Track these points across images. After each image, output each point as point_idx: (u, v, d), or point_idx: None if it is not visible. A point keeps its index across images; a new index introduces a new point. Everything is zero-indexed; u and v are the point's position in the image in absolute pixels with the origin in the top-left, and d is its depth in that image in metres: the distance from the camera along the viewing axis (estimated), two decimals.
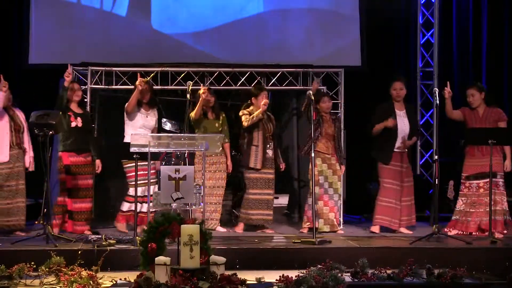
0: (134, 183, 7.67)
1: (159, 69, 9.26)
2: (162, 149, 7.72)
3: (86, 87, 9.12)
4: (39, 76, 9.53)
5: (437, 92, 7.81)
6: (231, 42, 9.83)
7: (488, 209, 7.81)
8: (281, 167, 8.65)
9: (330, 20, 10.02)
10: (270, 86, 9.46)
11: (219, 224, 8.54)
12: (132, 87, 8.87)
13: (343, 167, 8.68)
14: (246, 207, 8.46)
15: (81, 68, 9.22)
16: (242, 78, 9.38)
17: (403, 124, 8.33)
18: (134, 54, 9.54)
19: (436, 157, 7.72)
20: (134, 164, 7.51)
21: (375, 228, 8.38)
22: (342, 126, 8.99)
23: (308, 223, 8.40)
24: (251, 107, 8.49)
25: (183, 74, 9.30)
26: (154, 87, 9.28)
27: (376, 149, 8.43)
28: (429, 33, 10.87)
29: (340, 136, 8.69)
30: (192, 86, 8.07)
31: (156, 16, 9.77)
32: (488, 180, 7.87)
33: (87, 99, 9.05)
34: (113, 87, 9.31)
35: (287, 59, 9.62)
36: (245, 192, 8.54)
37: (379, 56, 10.41)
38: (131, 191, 8.15)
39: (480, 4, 10.51)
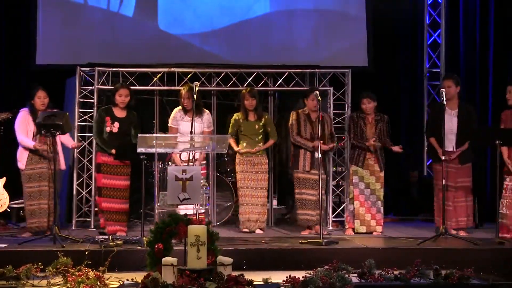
0: None
1: (166, 69, 9.26)
2: (169, 150, 7.74)
3: (93, 87, 9.14)
4: (46, 76, 9.55)
5: (444, 93, 7.78)
6: (238, 43, 9.82)
7: None
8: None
9: (336, 20, 10.00)
10: (277, 86, 9.46)
11: (264, 226, 8.59)
12: (139, 87, 8.88)
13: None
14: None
15: (88, 68, 9.24)
16: (249, 78, 9.37)
17: (451, 123, 8.24)
18: (140, 55, 9.54)
19: (443, 157, 7.70)
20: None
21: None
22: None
23: (347, 224, 8.55)
24: (305, 108, 8.58)
25: (189, 75, 9.30)
26: (160, 87, 9.30)
27: (431, 149, 8.49)
28: (436, 34, 10.84)
29: (382, 136, 8.52)
30: (199, 86, 8.07)
31: (163, 16, 9.77)
32: None
33: (94, 100, 9.07)
34: None
35: (294, 59, 9.61)
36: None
37: (386, 57, 10.39)
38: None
39: (487, 4, 10.47)
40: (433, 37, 10.86)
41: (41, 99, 8.06)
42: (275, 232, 8.70)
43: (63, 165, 8.27)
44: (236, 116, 8.65)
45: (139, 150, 7.17)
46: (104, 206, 8.16)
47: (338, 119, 9.37)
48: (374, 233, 8.39)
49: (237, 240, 7.62)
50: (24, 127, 8.02)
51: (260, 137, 8.59)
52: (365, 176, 8.48)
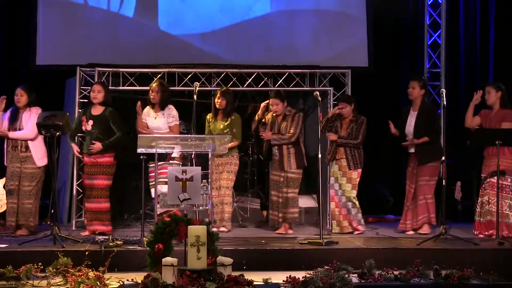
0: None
1: (166, 70, 9.27)
2: (169, 150, 7.74)
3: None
4: (46, 76, 9.56)
5: (444, 93, 7.80)
6: (238, 43, 9.83)
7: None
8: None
9: (337, 21, 10.01)
10: (277, 87, 9.45)
11: (226, 225, 8.55)
12: (140, 88, 8.88)
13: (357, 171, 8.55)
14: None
15: (88, 69, 9.24)
16: (249, 79, 9.37)
17: (409, 125, 8.37)
18: (141, 55, 9.55)
19: (443, 158, 7.71)
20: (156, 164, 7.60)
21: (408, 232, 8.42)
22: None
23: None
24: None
25: (190, 75, 9.31)
26: None
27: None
28: (436, 34, 10.84)
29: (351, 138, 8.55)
30: (199, 87, 8.07)
31: (163, 17, 9.78)
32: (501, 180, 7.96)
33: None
34: (120, 88, 9.32)
35: (294, 60, 9.62)
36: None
37: (386, 57, 10.38)
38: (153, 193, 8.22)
39: (487, 4, 10.47)
40: (433, 38, 10.85)
41: (17, 96, 8.13)
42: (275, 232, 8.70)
43: (39, 163, 8.16)
44: (208, 116, 8.66)
45: (139, 150, 7.17)
46: (87, 207, 8.20)
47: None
48: (355, 233, 8.37)
49: (237, 241, 7.62)
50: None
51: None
52: (339, 177, 8.50)
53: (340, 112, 8.51)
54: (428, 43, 10.85)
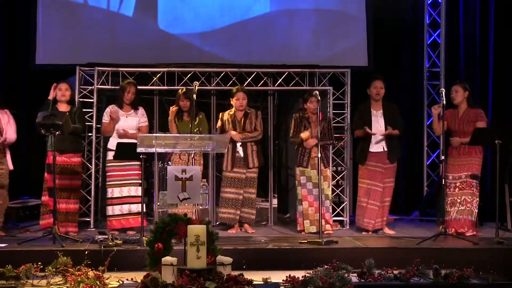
0: (112, 183, 8.25)
1: (166, 69, 9.27)
2: (169, 149, 7.73)
3: (93, 87, 9.13)
4: (46, 76, 9.55)
5: (443, 92, 7.83)
6: (238, 43, 9.83)
7: (460, 208, 8.11)
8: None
9: (336, 20, 10.00)
10: (277, 86, 9.46)
11: None
12: (139, 87, 8.87)
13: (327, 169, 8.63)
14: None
15: (87, 68, 9.24)
16: (249, 78, 9.37)
17: (378, 125, 8.41)
18: (140, 55, 9.55)
19: (443, 157, 7.72)
20: (114, 164, 8.06)
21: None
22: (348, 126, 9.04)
23: (298, 225, 8.52)
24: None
25: (189, 75, 9.30)
26: (160, 87, 9.30)
27: (356, 150, 8.64)
28: (436, 33, 10.84)
29: (325, 135, 8.58)
30: (199, 86, 8.07)
31: (163, 16, 9.78)
32: (463, 180, 8.17)
33: (94, 100, 9.06)
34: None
35: (294, 59, 9.61)
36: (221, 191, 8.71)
37: (385, 57, 10.38)
38: (110, 193, 8.35)
39: (487, 4, 10.47)
40: (433, 37, 10.85)
41: None
42: (274, 231, 8.70)
43: (10, 166, 8.18)
44: (174, 115, 8.64)
45: (139, 149, 7.18)
46: (56, 207, 8.13)
47: (337, 119, 9.36)
48: (326, 232, 8.30)
49: (236, 240, 7.62)
50: None
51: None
52: (313, 176, 8.49)
53: (308, 108, 8.58)
54: (428, 42, 10.85)
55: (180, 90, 8.70)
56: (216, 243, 5.81)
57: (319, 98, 7.86)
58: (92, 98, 9.10)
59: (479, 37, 10.52)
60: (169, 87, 9.28)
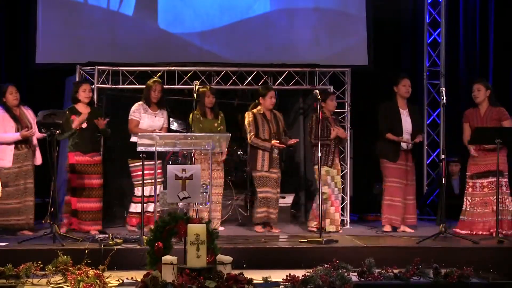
0: (139, 182, 7.81)
1: (166, 68, 9.27)
2: (169, 149, 7.74)
3: (93, 86, 9.11)
4: (46, 75, 9.55)
5: (443, 92, 7.80)
6: (238, 42, 9.83)
7: (494, 209, 7.81)
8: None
9: (336, 19, 10.00)
10: (277, 85, 9.45)
11: (220, 224, 8.56)
12: (139, 86, 8.88)
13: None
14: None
15: (88, 67, 9.24)
16: (249, 77, 9.38)
17: (406, 123, 8.37)
18: (140, 54, 9.55)
19: (443, 156, 7.71)
20: (140, 163, 7.59)
21: (386, 228, 8.42)
22: (348, 125, 9.09)
23: (315, 223, 8.40)
24: (259, 107, 8.51)
25: (189, 74, 9.31)
26: None
27: (383, 148, 8.45)
28: (436, 33, 10.85)
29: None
30: (199, 85, 8.07)
31: (163, 15, 9.78)
32: (492, 179, 7.97)
33: (94, 99, 9.05)
34: (120, 86, 9.33)
35: (294, 58, 9.61)
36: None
37: (386, 56, 10.39)
38: (137, 191, 8.21)
39: (487, 3, 10.47)
40: (433, 36, 10.86)
41: (13, 94, 8.06)
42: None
43: (39, 161, 8.23)
44: (196, 112, 8.40)
45: (139, 149, 7.18)
46: (80, 207, 8.16)
47: (338, 118, 9.36)
48: (340, 232, 8.39)
49: (236, 239, 7.62)
50: (2, 126, 8.00)
51: None
52: (334, 175, 8.55)
53: (332, 108, 8.65)
54: (428, 41, 10.87)
55: (206, 87, 8.60)
56: (216, 242, 5.80)
57: (319, 97, 7.85)
58: (92, 97, 9.09)
59: (479, 37, 10.53)
60: (169, 86, 9.28)
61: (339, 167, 8.65)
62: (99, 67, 9.20)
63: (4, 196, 7.81)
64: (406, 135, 8.36)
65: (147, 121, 8.34)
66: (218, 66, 9.45)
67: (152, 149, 7.17)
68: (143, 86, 9.14)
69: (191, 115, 8.30)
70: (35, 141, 8.17)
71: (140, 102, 8.42)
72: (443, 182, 7.70)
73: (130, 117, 8.34)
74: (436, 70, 10.82)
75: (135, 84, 9.24)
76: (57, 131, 7.47)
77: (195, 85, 7.82)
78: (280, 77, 9.44)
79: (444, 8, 10.79)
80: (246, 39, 9.84)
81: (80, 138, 8.14)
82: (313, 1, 9.97)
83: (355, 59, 9.87)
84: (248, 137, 8.49)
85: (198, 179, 6.67)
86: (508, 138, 7.79)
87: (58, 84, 9.66)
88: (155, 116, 8.36)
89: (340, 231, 8.49)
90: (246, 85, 9.36)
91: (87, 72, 9.29)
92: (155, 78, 8.74)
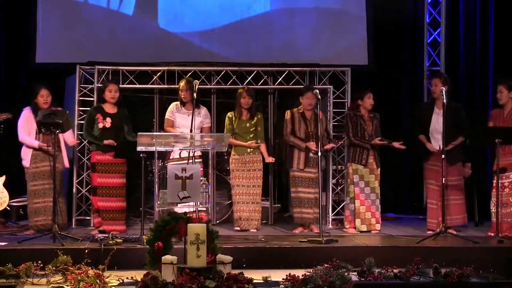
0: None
1: (166, 68, 9.27)
2: (169, 148, 7.74)
3: (93, 86, 9.13)
4: (46, 75, 9.55)
5: (444, 91, 7.78)
6: (238, 41, 9.83)
7: None
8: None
9: (337, 19, 10.00)
10: (277, 85, 9.46)
11: (258, 225, 8.56)
12: (139, 86, 8.86)
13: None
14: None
15: (87, 67, 9.23)
16: (249, 77, 9.37)
17: (436, 123, 8.25)
18: (140, 53, 9.55)
19: (443, 156, 7.70)
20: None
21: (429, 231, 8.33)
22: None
23: (348, 223, 8.51)
24: (300, 106, 8.59)
25: (189, 73, 9.30)
26: (160, 86, 9.30)
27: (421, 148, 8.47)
28: (436, 32, 10.84)
29: (378, 134, 8.56)
30: (199, 85, 8.07)
31: (163, 15, 9.78)
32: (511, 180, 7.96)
33: (94, 98, 9.06)
34: (120, 86, 9.29)
35: (294, 58, 9.61)
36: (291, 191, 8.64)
37: (386, 55, 10.39)
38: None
39: (487, 3, 10.47)
40: (433, 36, 10.85)
41: (44, 97, 8.06)
42: (274, 230, 8.70)
43: (66, 163, 8.27)
44: (230, 114, 8.62)
45: (139, 148, 7.18)
46: (100, 205, 8.18)
47: (337, 118, 9.37)
48: (373, 231, 8.38)
49: (236, 239, 7.62)
50: (26, 127, 8.02)
51: (251, 136, 8.55)
52: (365, 174, 8.49)
53: (368, 106, 8.54)
54: (428, 41, 10.86)
55: (243, 88, 8.68)
56: (216, 242, 5.80)
57: (319, 96, 7.85)
58: (92, 97, 9.10)
59: (479, 36, 10.53)
60: (169, 86, 9.28)
61: (375, 167, 8.48)
62: (99, 67, 9.20)
63: (32, 194, 7.99)
64: (436, 135, 8.23)
65: (179, 121, 8.46)
66: (218, 66, 9.45)
67: (152, 148, 7.17)
68: (143, 86, 9.18)
69: (227, 116, 8.54)
70: (62, 145, 8.17)
71: (177, 102, 8.54)
72: (443, 182, 7.68)
73: (165, 117, 8.54)
74: (436, 69, 10.82)
75: (135, 84, 9.23)
76: (57, 131, 7.48)
77: (195, 84, 7.82)
78: (280, 77, 9.44)
79: (444, 8, 10.79)
80: (246, 39, 9.84)
81: (104, 136, 8.14)
82: (313, 1, 9.97)
83: (355, 59, 9.87)
84: (284, 134, 8.56)
85: (198, 178, 6.67)
86: (507, 138, 7.77)
87: (58, 84, 9.65)
88: (188, 115, 8.29)
89: (375, 231, 8.41)
90: (246, 84, 9.35)
91: (87, 71, 9.29)
92: (186, 77, 8.75)
